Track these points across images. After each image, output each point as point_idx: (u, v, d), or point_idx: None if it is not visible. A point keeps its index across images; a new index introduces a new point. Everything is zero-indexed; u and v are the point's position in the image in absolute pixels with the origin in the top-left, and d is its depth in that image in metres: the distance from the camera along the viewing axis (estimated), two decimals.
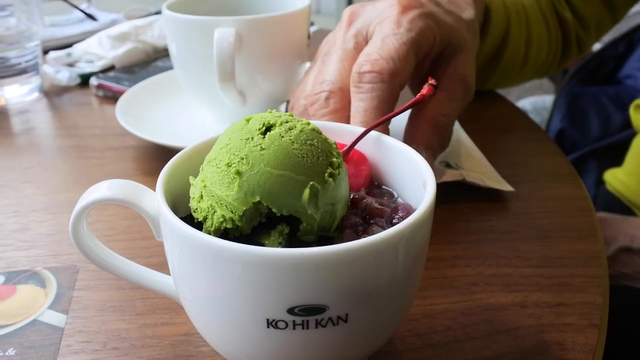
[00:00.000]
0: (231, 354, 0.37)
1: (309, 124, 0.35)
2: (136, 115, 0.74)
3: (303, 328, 0.32)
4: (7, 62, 0.86)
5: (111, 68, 0.96)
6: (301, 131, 0.34)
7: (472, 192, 0.62)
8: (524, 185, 0.64)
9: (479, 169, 0.66)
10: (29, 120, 0.84)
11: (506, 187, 0.63)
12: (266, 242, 0.34)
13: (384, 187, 0.42)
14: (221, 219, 0.34)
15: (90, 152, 0.73)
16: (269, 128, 0.34)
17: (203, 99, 0.72)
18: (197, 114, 0.77)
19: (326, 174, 0.34)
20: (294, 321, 0.32)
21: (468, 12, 0.62)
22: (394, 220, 0.37)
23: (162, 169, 0.38)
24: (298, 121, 0.35)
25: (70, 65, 0.97)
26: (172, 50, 0.70)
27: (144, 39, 0.99)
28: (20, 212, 0.61)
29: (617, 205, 1.07)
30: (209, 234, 0.34)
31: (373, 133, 0.42)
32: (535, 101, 1.50)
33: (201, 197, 0.35)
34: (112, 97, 0.88)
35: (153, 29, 1.02)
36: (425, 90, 0.42)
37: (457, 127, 0.75)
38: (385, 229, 0.35)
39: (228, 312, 0.33)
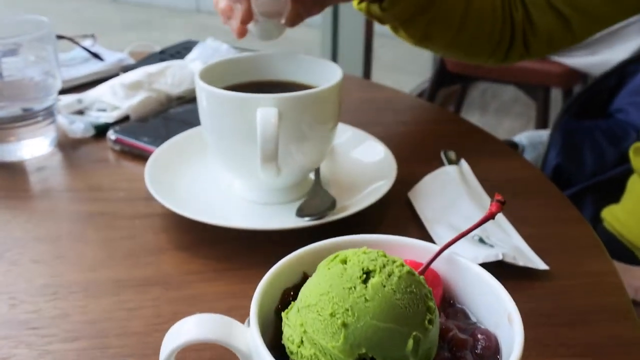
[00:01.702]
0: None
1: (403, 265, 0.36)
2: (164, 182, 0.73)
3: None
4: (29, 115, 0.84)
5: (125, 118, 0.95)
6: (400, 278, 0.35)
7: (506, 270, 0.63)
8: (554, 259, 0.65)
9: (512, 244, 0.67)
10: (48, 179, 0.83)
11: (541, 265, 0.64)
12: None
13: (457, 305, 0.43)
14: None
15: (119, 221, 0.72)
16: (368, 274, 0.35)
17: (235, 168, 0.72)
18: (223, 178, 0.77)
19: (426, 321, 0.35)
20: None
21: None
22: (477, 350, 0.38)
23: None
24: (393, 263, 0.36)
25: (81, 112, 0.96)
26: (205, 120, 0.70)
27: (157, 87, 0.98)
28: (59, 293, 0.60)
29: (616, 245, 1.09)
30: None
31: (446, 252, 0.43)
32: (532, 136, 1.52)
33: (301, 342, 0.35)
34: (129, 152, 0.87)
35: (166, 77, 1.01)
36: (493, 207, 0.43)
37: (483, 195, 0.76)
38: None
39: None
